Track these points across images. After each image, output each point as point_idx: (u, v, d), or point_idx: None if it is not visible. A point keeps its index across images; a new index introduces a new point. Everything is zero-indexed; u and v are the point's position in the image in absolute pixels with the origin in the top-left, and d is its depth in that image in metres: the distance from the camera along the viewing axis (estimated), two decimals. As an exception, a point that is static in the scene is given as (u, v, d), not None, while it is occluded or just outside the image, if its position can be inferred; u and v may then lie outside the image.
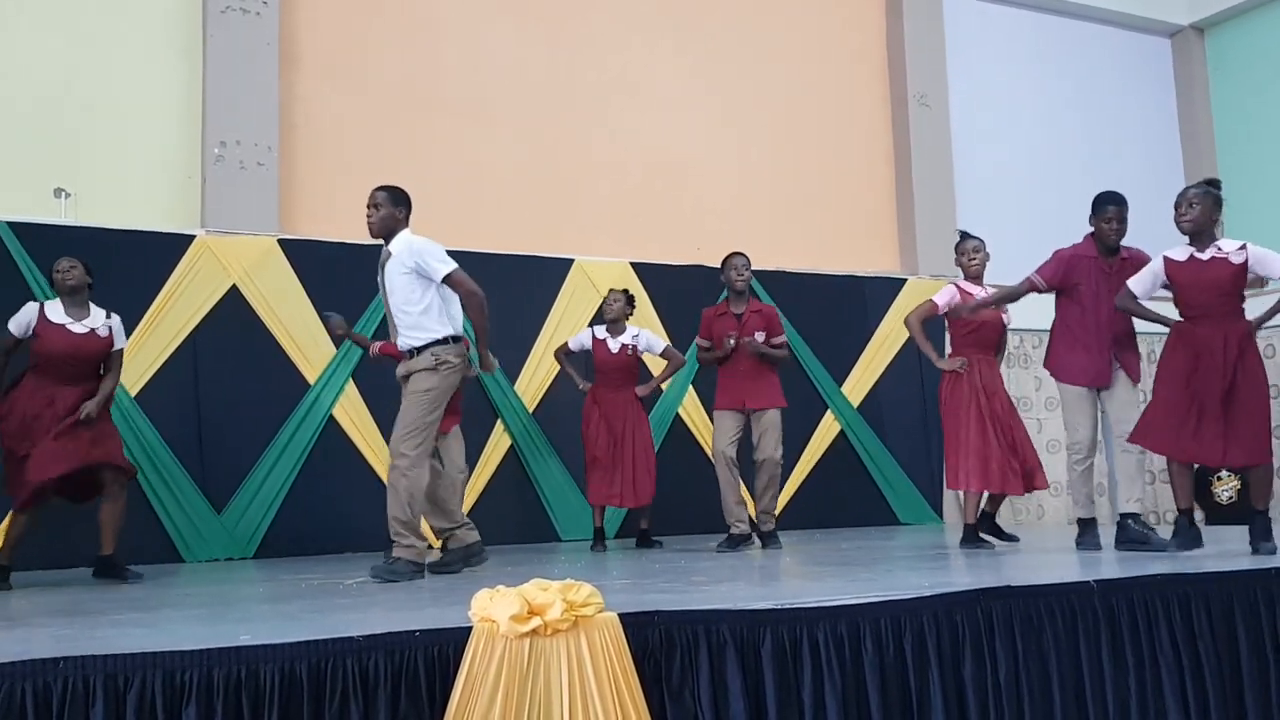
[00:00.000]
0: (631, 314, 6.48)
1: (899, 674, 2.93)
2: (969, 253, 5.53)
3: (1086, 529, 5.01)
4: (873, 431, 8.19)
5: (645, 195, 8.13)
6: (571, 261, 7.41)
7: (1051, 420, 9.07)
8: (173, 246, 6.33)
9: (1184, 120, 10.62)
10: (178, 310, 6.27)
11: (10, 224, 5.94)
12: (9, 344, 4.88)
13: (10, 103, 6.41)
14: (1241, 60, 10.32)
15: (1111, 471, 5.03)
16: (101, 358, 4.95)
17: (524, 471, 7.09)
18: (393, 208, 4.59)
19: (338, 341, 6.34)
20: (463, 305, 4.64)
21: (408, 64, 7.54)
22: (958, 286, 5.57)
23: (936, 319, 5.63)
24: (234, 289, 6.44)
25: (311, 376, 6.54)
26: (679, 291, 7.44)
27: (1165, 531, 4.99)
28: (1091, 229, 4.99)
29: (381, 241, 4.65)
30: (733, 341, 5.82)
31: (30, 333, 4.85)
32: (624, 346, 6.31)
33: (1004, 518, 7.67)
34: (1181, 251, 4.49)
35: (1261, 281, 4.44)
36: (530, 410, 7.11)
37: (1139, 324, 4.87)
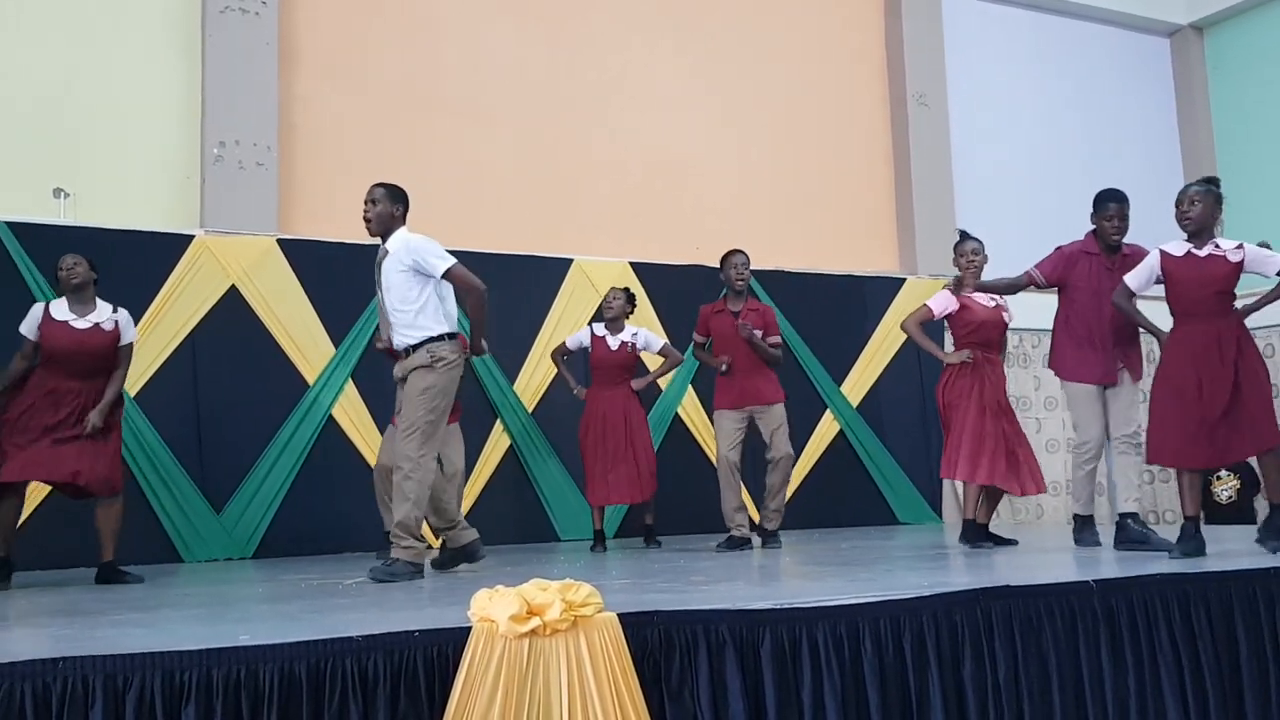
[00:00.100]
0: (632, 312, 6.47)
1: (898, 674, 2.93)
2: (967, 254, 5.50)
3: (1085, 525, 5.01)
4: (872, 431, 8.19)
5: (645, 195, 8.13)
6: (571, 261, 7.41)
7: (1050, 420, 9.08)
8: (172, 246, 6.33)
9: (1183, 120, 10.62)
10: (177, 310, 6.27)
11: (9, 224, 5.94)
12: (28, 349, 4.87)
13: (10, 103, 6.41)
14: (1240, 60, 10.32)
15: (1109, 471, 5.03)
16: (108, 352, 4.92)
17: (523, 471, 7.08)
18: (390, 205, 4.59)
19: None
20: (458, 299, 4.64)
21: (407, 64, 7.54)
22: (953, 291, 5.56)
23: (935, 322, 5.62)
24: (233, 289, 6.44)
25: (311, 376, 6.54)
26: (678, 291, 7.44)
27: (1164, 531, 4.99)
28: (1093, 227, 4.99)
29: (379, 240, 4.65)
30: (725, 367, 5.83)
31: (37, 331, 4.86)
32: (623, 344, 6.30)
33: (1003, 518, 7.69)
34: (1179, 247, 4.48)
35: None
36: (529, 410, 7.11)
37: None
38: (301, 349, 6.54)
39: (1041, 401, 9.12)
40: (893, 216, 9.14)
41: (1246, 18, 10.28)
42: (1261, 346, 4.55)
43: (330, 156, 7.20)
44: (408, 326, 4.52)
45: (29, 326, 4.87)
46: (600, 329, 6.37)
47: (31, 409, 4.73)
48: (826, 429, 8.07)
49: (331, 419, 6.56)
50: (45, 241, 5.80)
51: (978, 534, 5.37)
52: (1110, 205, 4.90)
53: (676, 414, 7.56)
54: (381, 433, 6.20)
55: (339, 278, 6.54)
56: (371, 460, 6.52)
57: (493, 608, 2.48)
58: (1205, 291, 4.36)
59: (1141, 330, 4.84)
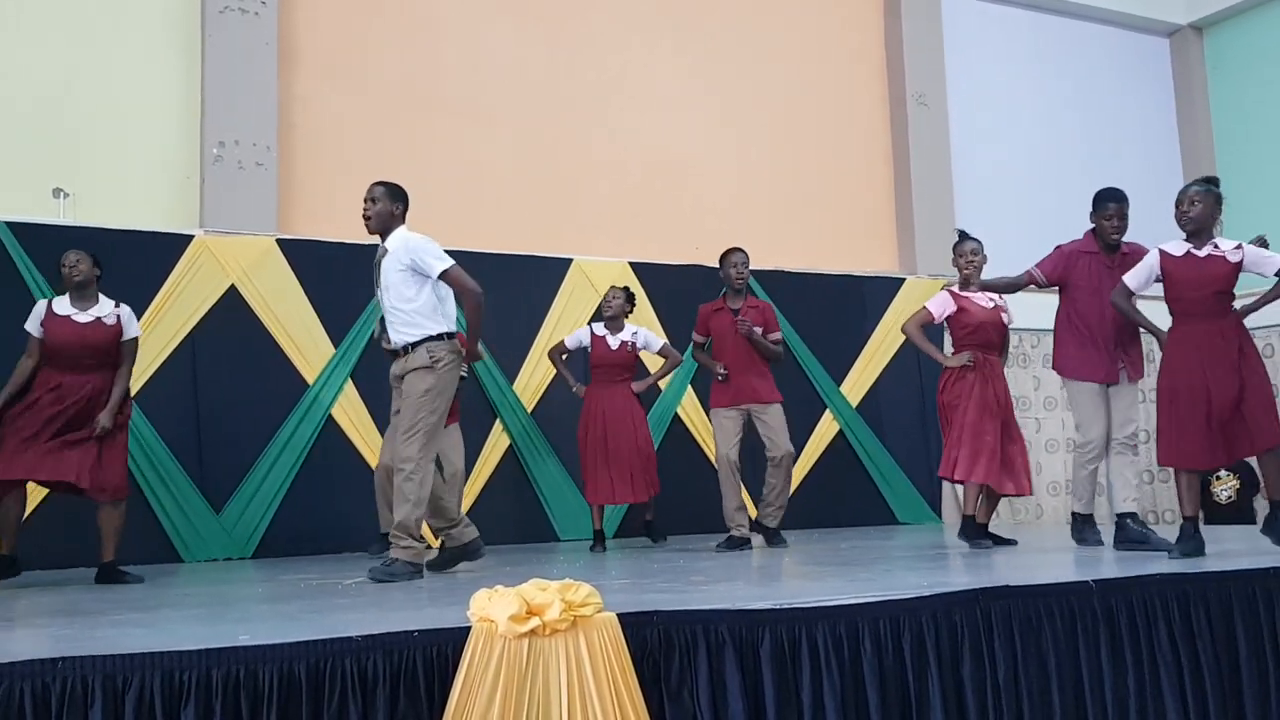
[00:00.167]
0: (631, 312, 6.47)
1: (898, 674, 2.93)
2: (966, 255, 5.50)
3: (1086, 524, 5.01)
4: (871, 431, 8.19)
5: (644, 195, 8.13)
6: (570, 261, 7.41)
7: (1050, 420, 9.08)
8: (171, 246, 6.33)
9: (1182, 119, 10.63)
10: (176, 310, 6.27)
11: (9, 224, 5.94)
12: (34, 346, 4.87)
13: (10, 103, 6.41)
14: (1240, 60, 10.33)
15: (1108, 471, 5.03)
16: (110, 346, 4.91)
17: (522, 471, 7.08)
18: (390, 203, 4.59)
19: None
20: (458, 300, 4.64)
21: (407, 64, 7.54)
22: (951, 293, 5.56)
23: (935, 324, 5.63)
24: (232, 289, 6.44)
25: (310, 376, 6.54)
26: (677, 291, 7.44)
27: (1163, 531, 5.00)
28: (1092, 226, 4.99)
29: (379, 239, 4.65)
30: (721, 375, 5.83)
31: (40, 328, 4.87)
32: (623, 343, 6.30)
33: (1003, 518, 7.69)
34: (1178, 247, 4.48)
35: None
36: (529, 410, 7.11)
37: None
38: (301, 349, 6.54)
39: (1041, 401, 9.12)
40: (892, 216, 9.14)
41: (1246, 18, 10.28)
42: (1261, 346, 4.56)
43: (330, 156, 7.20)
44: (406, 325, 4.52)
45: (33, 323, 4.88)
46: (600, 328, 6.37)
47: (35, 405, 4.73)
48: (826, 429, 8.07)
49: (331, 419, 6.56)
50: (45, 241, 5.80)
51: (977, 531, 5.37)
52: (1109, 204, 4.91)
53: (676, 414, 7.56)
54: (381, 432, 6.20)
55: (338, 278, 6.54)
56: (371, 460, 6.52)
57: (492, 608, 2.49)
58: (1205, 292, 4.36)
59: (1141, 330, 4.85)
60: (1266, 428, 4.26)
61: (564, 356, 6.49)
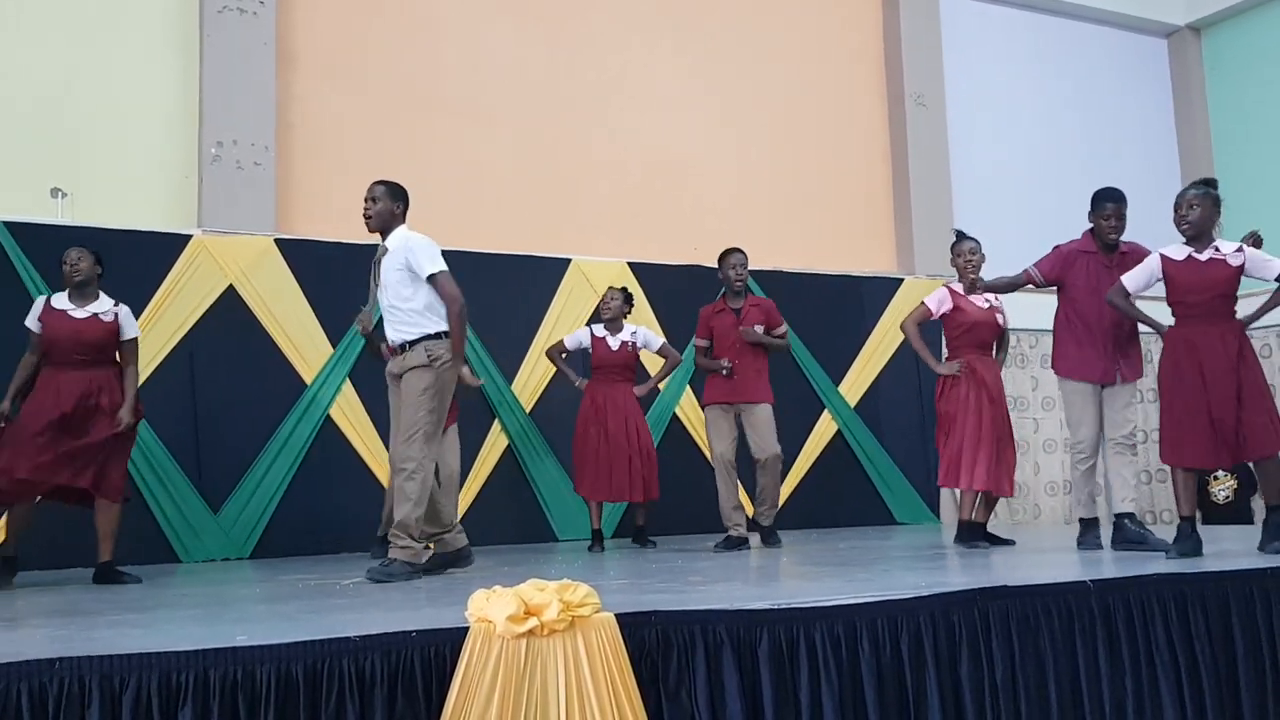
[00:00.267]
0: (629, 312, 6.47)
1: (896, 674, 2.93)
2: (965, 254, 5.50)
3: (1088, 529, 5.00)
4: (870, 431, 8.19)
5: (644, 195, 8.14)
6: (569, 261, 7.41)
7: (1048, 420, 9.08)
8: (169, 246, 6.32)
9: (1181, 120, 10.64)
10: (174, 310, 6.27)
11: (7, 224, 5.94)
12: (35, 341, 4.88)
13: (9, 103, 6.41)
14: (1238, 60, 10.33)
15: (1106, 471, 5.04)
16: (105, 343, 4.91)
17: (521, 471, 7.08)
18: (391, 202, 4.59)
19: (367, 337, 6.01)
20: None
21: (406, 64, 7.54)
22: (950, 289, 5.56)
23: (932, 322, 5.63)
24: (231, 289, 6.44)
25: (308, 376, 6.54)
26: (676, 291, 7.44)
27: (1161, 531, 5.00)
28: (1090, 226, 4.99)
29: (379, 238, 4.64)
30: (726, 370, 5.82)
31: (39, 323, 4.87)
32: (624, 344, 6.31)
33: (1001, 518, 7.69)
34: (1179, 251, 4.48)
35: None
36: (527, 410, 7.11)
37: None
38: (299, 349, 6.54)
39: (1039, 402, 9.13)
40: (891, 216, 9.15)
41: (1244, 18, 10.29)
42: (1259, 348, 4.55)
43: (328, 156, 7.20)
44: (404, 324, 4.52)
45: (32, 319, 4.89)
46: (600, 330, 6.37)
47: (38, 410, 4.72)
48: (824, 429, 8.07)
49: (329, 419, 6.56)
50: (43, 241, 5.80)
51: (973, 535, 5.38)
52: (1108, 205, 4.91)
53: (674, 414, 7.56)
54: (380, 432, 6.20)
55: (337, 277, 6.54)
56: (369, 460, 6.53)
57: (490, 608, 2.49)
58: (1206, 295, 4.36)
59: (1141, 329, 4.85)
60: (1264, 435, 4.26)
61: (563, 356, 6.49)
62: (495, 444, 7.01)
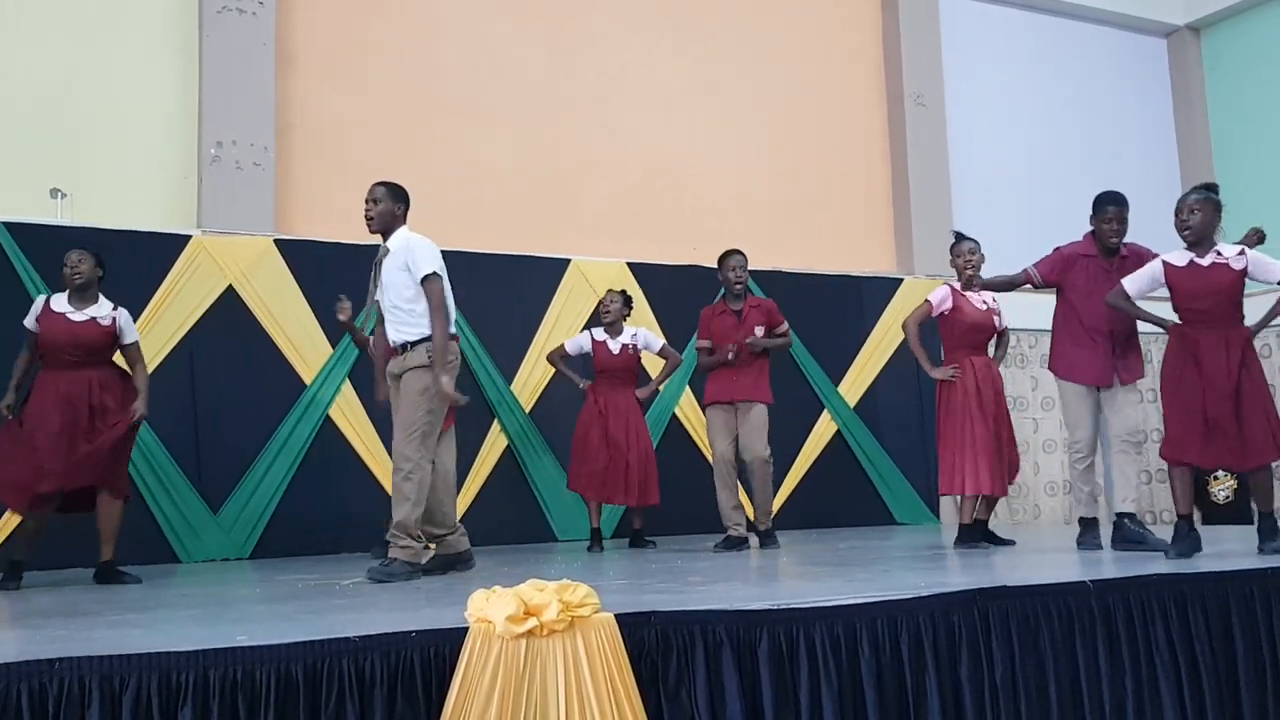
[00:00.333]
0: (629, 315, 6.47)
1: (896, 674, 2.93)
2: (964, 254, 5.50)
3: (1088, 528, 5.00)
4: (869, 431, 8.19)
5: (644, 195, 8.14)
6: (568, 261, 7.41)
7: (1047, 420, 9.08)
8: (169, 247, 6.32)
9: (1180, 120, 10.64)
10: (174, 310, 6.27)
11: (7, 224, 5.94)
12: (32, 341, 4.89)
13: (9, 103, 6.41)
14: (1237, 60, 10.34)
15: (1106, 471, 5.04)
16: (101, 345, 4.91)
17: (520, 471, 7.08)
18: (392, 203, 4.59)
19: (342, 327, 5.98)
20: (456, 301, 4.63)
21: (406, 64, 7.54)
22: (951, 288, 5.56)
23: (930, 322, 5.63)
24: (230, 289, 6.43)
25: (308, 376, 6.54)
26: (675, 291, 7.45)
27: (1160, 531, 5.00)
28: (1091, 228, 4.99)
29: (380, 238, 4.65)
30: (732, 355, 5.81)
31: (37, 323, 4.88)
32: (625, 347, 6.31)
33: (1000, 518, 7.69)
34: (1181, 256, 4.47)
35: None
36: (527, 410, 7.11)
37: (1139, 323, 4.86)
38: (299, 349, 6.54)
39: (1039, 402, 9.13)
40: (890, 217, 9.15)
41: (1243, 18, 10.30)
42: (1259, 348, 4.55)
43: (328, 157, 7.20)
44: (405, 324, 4.52)
45: (31, 319, 4.90)
46: (600, 333, 6.36)
47: (44, 418, 4.71)
48: (824, 429, 8.07)
49: (329, 419, 6.56)
50: (42, 241, 5.80)
51: (973, 536, 5.38)
52: (1109, 208, 4.90)
53: (674, 414, 7.56)
54: (380, 432, 6.19)
55: (336, 278, 6.50)
56: (369, 460, 6.52)
57: (490, 608, 2.48)
58: (1210, 300, 4.36)
59: (1142, 328, 4.84)
60: (1263, 444, 4.26)
61: (564, 359, 6.48)
62: (495, 444, 7.01)
